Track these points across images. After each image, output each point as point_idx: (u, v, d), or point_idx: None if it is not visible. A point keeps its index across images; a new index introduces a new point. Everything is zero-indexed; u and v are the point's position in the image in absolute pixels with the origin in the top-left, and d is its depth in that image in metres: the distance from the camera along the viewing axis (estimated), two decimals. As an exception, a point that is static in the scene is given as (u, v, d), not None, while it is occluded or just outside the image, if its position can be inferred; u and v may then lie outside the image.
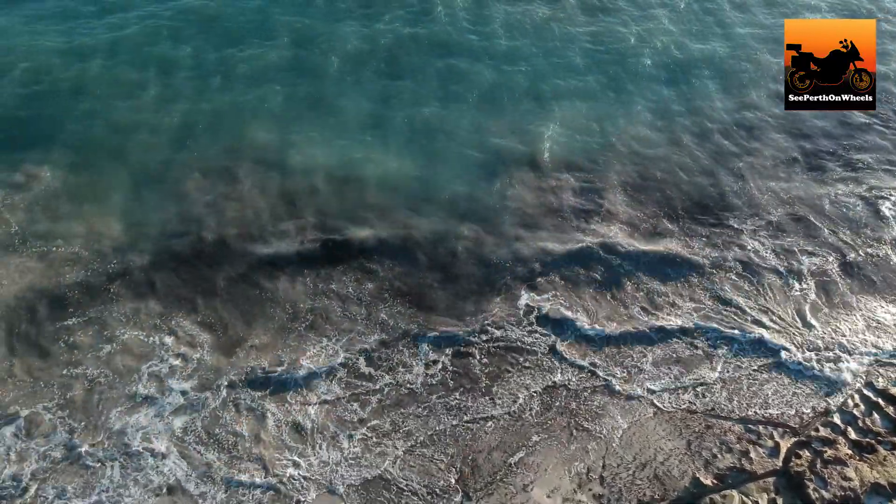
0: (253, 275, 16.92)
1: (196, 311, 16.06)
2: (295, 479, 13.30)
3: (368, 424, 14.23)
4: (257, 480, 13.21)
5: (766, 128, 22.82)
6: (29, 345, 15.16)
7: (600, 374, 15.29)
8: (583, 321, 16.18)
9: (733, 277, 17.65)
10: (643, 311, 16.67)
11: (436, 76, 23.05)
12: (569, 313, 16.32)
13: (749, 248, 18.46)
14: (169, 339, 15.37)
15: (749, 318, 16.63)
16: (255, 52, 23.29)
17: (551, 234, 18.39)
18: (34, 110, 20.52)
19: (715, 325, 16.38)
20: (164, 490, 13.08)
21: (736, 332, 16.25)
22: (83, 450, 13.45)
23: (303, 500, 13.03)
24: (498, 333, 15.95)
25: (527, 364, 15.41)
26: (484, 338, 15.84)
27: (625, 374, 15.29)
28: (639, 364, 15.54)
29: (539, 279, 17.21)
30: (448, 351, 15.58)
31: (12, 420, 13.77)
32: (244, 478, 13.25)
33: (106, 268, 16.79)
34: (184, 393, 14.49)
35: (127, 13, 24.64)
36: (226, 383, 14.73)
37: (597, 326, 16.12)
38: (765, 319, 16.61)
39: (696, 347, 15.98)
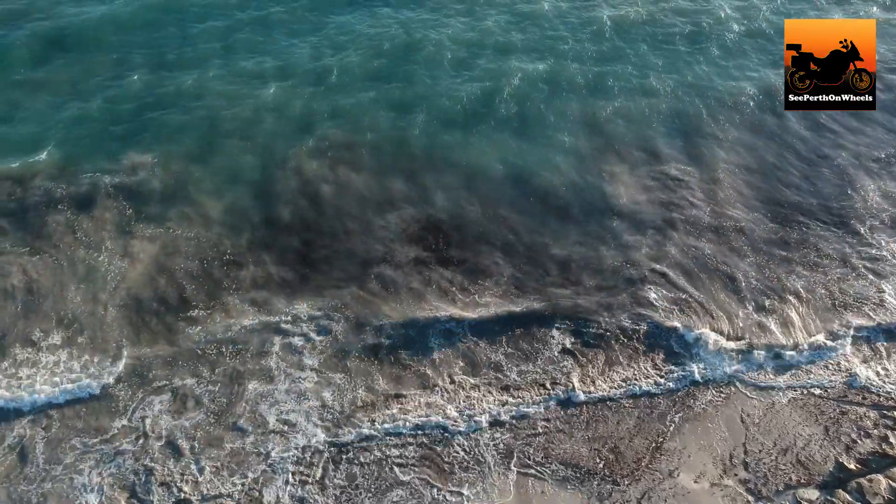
0: (375, 267, 16.64)
1: (321, 295, 15.86)
2: (434, 460, 13.15)
3: (507, 407, 14.13)
4: (404, 462, 13.04)
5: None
6: (156, 323, 15.03)
7: (731, 371, 15.17)
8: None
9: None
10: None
11: (579, 111, 21.63)
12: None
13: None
14: (298, 320, 15.19)
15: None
16: (398, 75, 22.47)
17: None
18: (147, 103, 20.27)
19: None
20: (303, 464, 12.97)
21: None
22: (223, 425, 13.37)
23: (449, 487, 12.81)
24: (632, 331, 15.88)
25: (660, 354, 15.34)
26: (619, 331, 15.71)
27: (760, 362, 15.31)
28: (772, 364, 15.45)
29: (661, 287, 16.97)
30: (582, 340, 15.51)
31: (157, 394, 13.72)
32: (391, 457, 13.09)
33: (221, 251, 16.65)
34: (315, 369, 14.34)
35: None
36: (356, 361, 14.65)
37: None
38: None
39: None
